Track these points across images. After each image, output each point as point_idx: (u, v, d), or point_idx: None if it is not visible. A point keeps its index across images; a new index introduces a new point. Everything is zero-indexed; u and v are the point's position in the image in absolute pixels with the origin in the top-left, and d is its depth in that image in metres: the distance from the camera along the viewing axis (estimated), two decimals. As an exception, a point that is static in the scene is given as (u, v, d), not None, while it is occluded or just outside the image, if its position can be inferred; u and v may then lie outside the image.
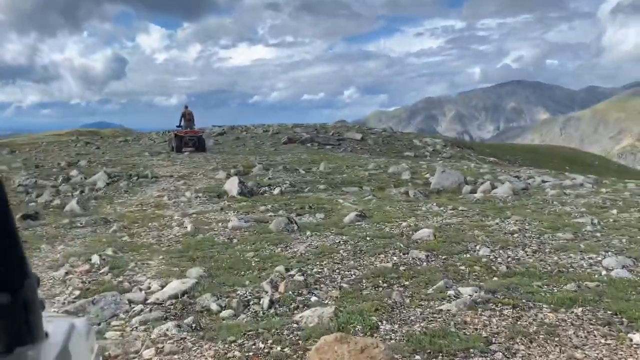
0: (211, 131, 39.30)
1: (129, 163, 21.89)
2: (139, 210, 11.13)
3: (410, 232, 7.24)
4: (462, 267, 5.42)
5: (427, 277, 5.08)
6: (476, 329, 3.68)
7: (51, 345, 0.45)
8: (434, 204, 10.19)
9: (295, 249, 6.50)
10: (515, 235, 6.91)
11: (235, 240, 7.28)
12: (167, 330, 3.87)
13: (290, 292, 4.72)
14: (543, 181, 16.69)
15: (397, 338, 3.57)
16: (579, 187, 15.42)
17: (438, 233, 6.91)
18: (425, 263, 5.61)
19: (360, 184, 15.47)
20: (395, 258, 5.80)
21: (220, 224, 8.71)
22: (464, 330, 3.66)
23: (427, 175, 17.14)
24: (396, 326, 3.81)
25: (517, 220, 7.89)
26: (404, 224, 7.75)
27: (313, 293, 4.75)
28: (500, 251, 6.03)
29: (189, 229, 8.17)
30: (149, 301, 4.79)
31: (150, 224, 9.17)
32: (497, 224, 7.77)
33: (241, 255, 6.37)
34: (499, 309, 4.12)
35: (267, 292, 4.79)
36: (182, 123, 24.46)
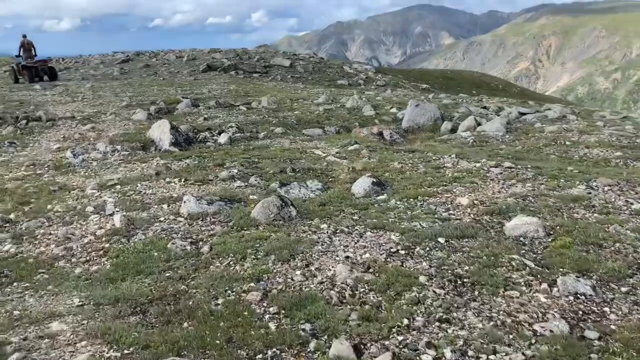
0: (114, 58, 33.71)
1: (15, 100, 17.21)
2: (31, 176, 7.57)
3: (489, 219, 4.61)
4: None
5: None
6: None
7: None
8: (453, 155, 7.59)
9: (330, 272, 3.65)
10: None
11: (205, 249, 4.25)
12: None
13: None
14: (520, 113, 14.68)
15: None
16: (564, 120, 13.56)
17: (545, 222, 4.33)
18: (609, 309, 3.05)
19: (320, 124, 12.55)
20: (541, 297, 3.18)
21: (166, 206, 5.56)
22: None
23: (394, 110, 14.50)
24: None
25: (612, 186, 5.48)
26: (464, 201, 5.08)
27: None
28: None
29: (117, 222, 4.97)
30: None
31: (50, 206, 5.82)
32: (590, 193, 5.32)
33: (235, 295, 3.42)
34: None
35: None
36: (22, 53, 23.28)
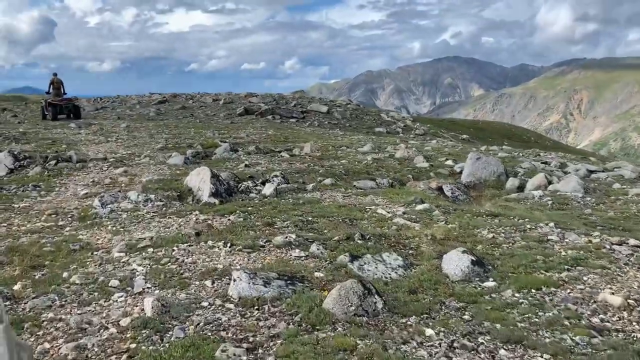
0: (150, 99, 33.65)
1: (48, 138, 16.62)
2: (51, 228, 6.52)
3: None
4: None
5: None
6: None
7: None
8: (550, 224, 6.26)
9: None
10: None
11: (269, 362, 3.01)
12: None
13: None
14: (589, 171, 13.25)
15: None
16: (642, 181, 12.07)
17: None
18: None
19: (370, 175, 11.37)
20: None
21: (210, 283, 4.35)
22: None
23: (449, 163, 13.24)
24: None
25: None
26: (613, 299, 3.74)
27: None
28: None
29: (147, 307, 3.77)
30: None
31: (66, 273, 4.68)
32: None
33: None
34: None
35: None
36: (51, 90, 23.82)
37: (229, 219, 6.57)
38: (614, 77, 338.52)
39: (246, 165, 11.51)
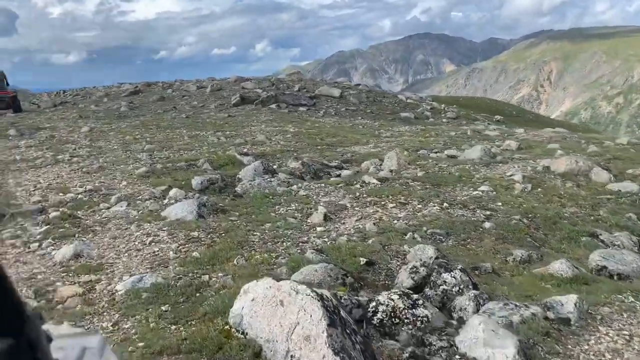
0: (120, 89, 27.13)
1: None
2: None
3: None
4: None
5: None
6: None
7: None
8: None
9: None
10: None
11: None
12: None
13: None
14: None
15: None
16: None
17: None
18: None
19: (573, 224, 5.80)
20: None
21: None
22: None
23: (619, 199, 7.59)
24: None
25: None
26: None
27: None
28: None
29: None
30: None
31: None
32: None
33: None
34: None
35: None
36: None
37: None
38: (582, 47, 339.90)
39: (326, 217, 5.71)
